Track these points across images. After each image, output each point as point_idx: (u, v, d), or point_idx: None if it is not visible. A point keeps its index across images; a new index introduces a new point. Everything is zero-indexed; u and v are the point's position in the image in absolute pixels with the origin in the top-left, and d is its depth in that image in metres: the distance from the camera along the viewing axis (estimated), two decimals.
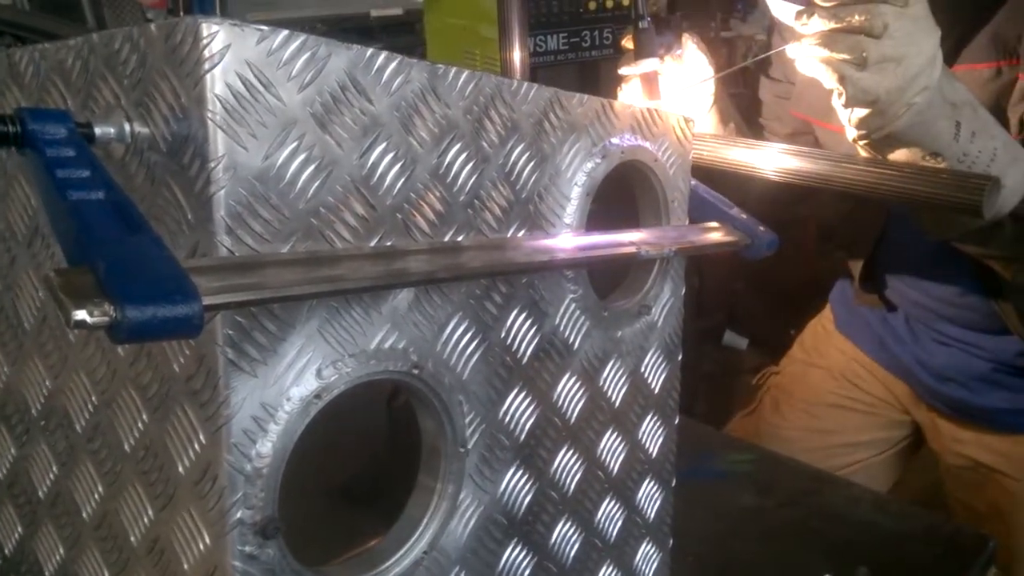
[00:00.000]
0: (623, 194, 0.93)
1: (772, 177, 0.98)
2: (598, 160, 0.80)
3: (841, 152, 0.97)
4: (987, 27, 1.05)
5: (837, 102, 0.86)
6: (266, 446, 0.59)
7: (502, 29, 1.25)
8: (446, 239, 0.67)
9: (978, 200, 0.81)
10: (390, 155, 0.63)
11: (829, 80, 0.85)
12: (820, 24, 0.84)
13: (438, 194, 0.66)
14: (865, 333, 1.45)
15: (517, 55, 1.26)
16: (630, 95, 1.09)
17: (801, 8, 0.86)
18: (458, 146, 0.67)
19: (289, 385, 0.60)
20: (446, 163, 0.67)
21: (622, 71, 1.09)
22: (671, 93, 1.10)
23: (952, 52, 1.07)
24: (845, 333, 1.50)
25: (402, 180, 0.64)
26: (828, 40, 0.83)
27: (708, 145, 1.04)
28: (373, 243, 0.63)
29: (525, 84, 0.72)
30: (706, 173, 1.00)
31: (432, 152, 0.66)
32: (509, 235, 0.73)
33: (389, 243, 0.63)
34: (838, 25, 0.82)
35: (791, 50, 0.88)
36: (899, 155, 0.89)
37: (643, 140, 0.85)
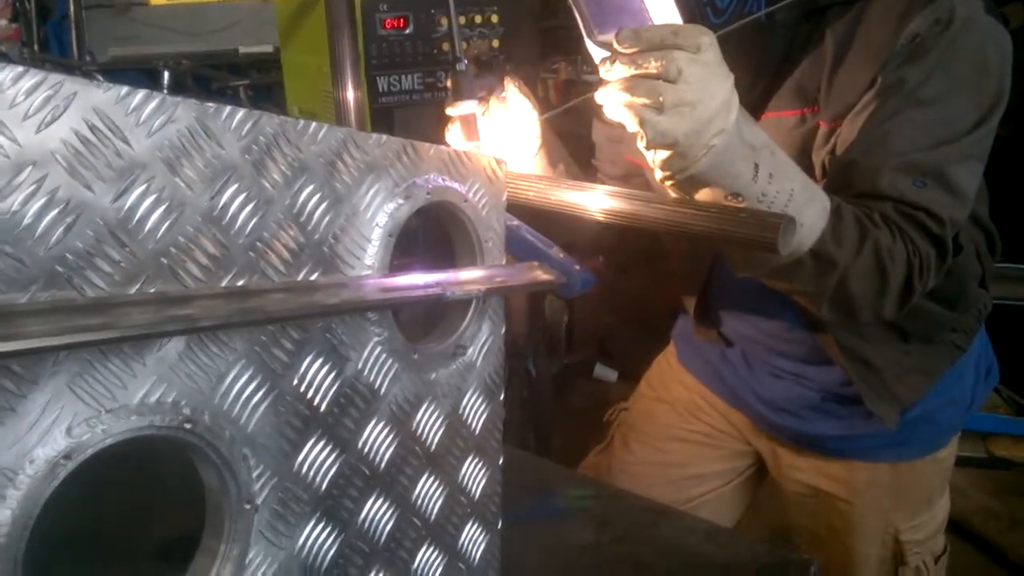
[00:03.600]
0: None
1: (595, 216, 1.00)
2: (400, 201, 0.79)
3: (655, 193, 1.00)
4: (791, 77, 1.11)
5: (640, 144, 0.88)
6: (4, 514, 0.54)
7: (334, 68, 1.23)
8: (223, 284, 0.64)
9: (773, 237, 0.85)
10: (151, 197, 0.59)
11: (631, 123, 0.87)
12: (621, 71, 0.86)
13: (212, 237, 0.63)
14: (705, 367, 1.50)
15: (351, 95, 1.25)
16: (454, 135, 1.09)
17: (606, 55, 0.89)
18: (235, 187, 0.65)
19: (32, 446, 0.55)
20: (221, 204, 0.64)
21: (447, 112, 1.10)
22: (495, 134, 1.11)
23: (761, 100, 1.13)
24: (687, 367, 1.54)
25: (168, 223, 0.61)
26: (629, 85, 0.85)
27: (533, 186, 1.04)
28: (134, 289, 0.59)
29: (314, 124, 0.70)
30: (537, 213, 1.01)
31: (204, 193, 0.63)
32: (300, 278, 0.71)
33: (153, 289, 0.60)
34: (637, 71, 0.85)
35: (598, 96, 0.90)
36: (703, 195, 0.92)
37: (451, 181, 0.85)
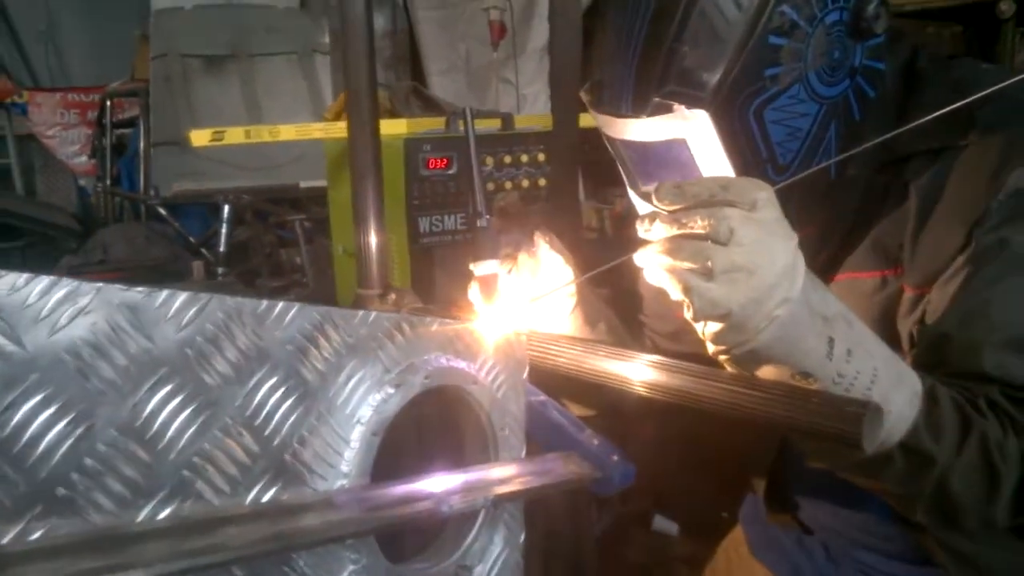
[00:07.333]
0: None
1: (635, 389, 0.85)
2: (390, 390, 0.65)
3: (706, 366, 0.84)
4: (868, 235, 0.96)
5: (687, 315, 0.74)
6: None
7: (356, 213, 1.14)
8: (141, 516, 0.51)
9: (856, 432, 0.68)
10: (48, 411, 0.47)
11: (675, 291, 0.73)
12: (663, 230, 0.73)
13: (131, 454, 0.50)
14: (780, 559, 1.27)
15: (373, 239, 1.15)
16: (476, 295, 0.96)
17: (645, 213, 0.76)
18: (167, 389, 0.52)
19: None
20: (147, 413, 0.51)
21: (470, 268, 0.97)
22: (523, 294, 0.98)
23: (831, 262, 0.98)
24: (760, 558, 1.31)
25: (69, 443, 0.48)
26: (671, 247, 0.72)
27: (565, 351, 0.89)
28: (15, 532, 0.46)
29: (280, 305, 0.58)
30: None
31: (124, 401, 0.50)
32: (251, 497, 0.56)
33: (41, 531, 0.46)
34: (680, 231, 0.72)
35: (638, 258, 0.76)
36: (766, 372, 0.75)
37: (457, 360, 0.71)
